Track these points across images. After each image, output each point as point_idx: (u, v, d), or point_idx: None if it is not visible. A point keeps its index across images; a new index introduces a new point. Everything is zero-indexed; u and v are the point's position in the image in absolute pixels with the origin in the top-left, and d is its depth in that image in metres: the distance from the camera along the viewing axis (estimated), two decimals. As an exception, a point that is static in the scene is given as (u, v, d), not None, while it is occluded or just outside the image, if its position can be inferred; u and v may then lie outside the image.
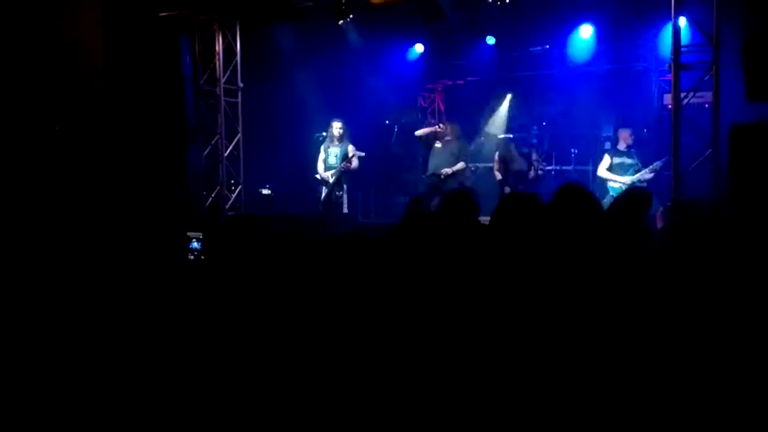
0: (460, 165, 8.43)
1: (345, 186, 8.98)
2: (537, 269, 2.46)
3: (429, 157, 8.68)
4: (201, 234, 2.53)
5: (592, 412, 2.28)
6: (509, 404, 2.28)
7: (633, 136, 8.16)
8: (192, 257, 2.57)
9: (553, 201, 2.75)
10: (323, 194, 9.01)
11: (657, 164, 7.74)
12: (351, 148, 8.79)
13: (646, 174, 7.89)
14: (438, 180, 8.38)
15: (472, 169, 11.02)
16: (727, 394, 2.45)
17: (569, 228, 2.66)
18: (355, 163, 8.75)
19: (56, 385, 2.37)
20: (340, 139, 8.82)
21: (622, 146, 8.16)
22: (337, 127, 8.81)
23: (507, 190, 8.29)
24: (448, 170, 8.34)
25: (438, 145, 8.55)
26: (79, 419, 2.32)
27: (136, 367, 2.33)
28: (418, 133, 8.94)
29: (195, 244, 2.52)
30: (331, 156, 8.86)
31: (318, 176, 8.99)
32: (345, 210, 9.08)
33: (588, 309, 2.37)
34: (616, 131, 8.82)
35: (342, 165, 8.72)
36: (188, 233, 2.53)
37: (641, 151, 8.11)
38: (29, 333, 2.65)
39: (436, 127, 8.71)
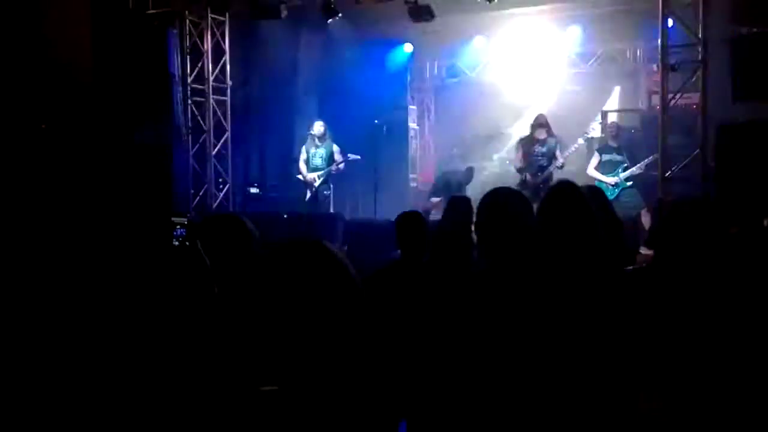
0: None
1: (331, 185, 8.98)
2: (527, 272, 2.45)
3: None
4: (185, 220, 2.53)
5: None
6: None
7: (624, 131, 8.22)
8: (177, 243, 2.57)
9: (545, 200, 2.74)
10: (308, 195, 9.01)
11: (646, 161, 7.79)
12: (336, 149, 8.81)
13: (635, 170, 7.94)
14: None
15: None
16: (725, 394, 2.46)
17: (559, 228, 2.65)
18: (342, 165, 8.82)
19: (42, 369, 2.36)
20: (322, 139, 8.81)
21: (613, 142, 8.21)
22: (318, 126, 8.81)
23: (528, 177, 8.00)
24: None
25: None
26: (64, 404, 2.31)
27: (124, 352, 2.33)
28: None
29: (179, 231, 2.51)
30: (316, 157, 8.85)
31: (301, 177, 8.98)
32: (331, 209, 9.10)
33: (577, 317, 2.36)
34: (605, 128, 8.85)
35: (333, 168, 8.75)
36: (173, 219, 2.52)
37: (629, 152, 8.14)
38: (17, 321, 2.64)
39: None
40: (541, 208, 2.67)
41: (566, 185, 2.73)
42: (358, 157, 8.89)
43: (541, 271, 2.42)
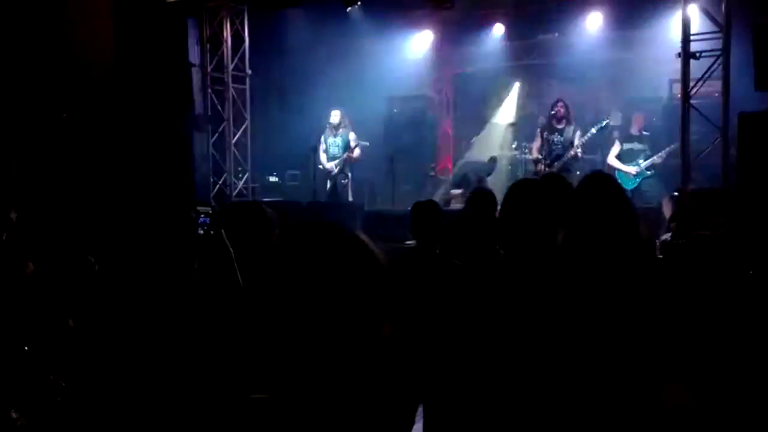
0: None
1: (349, 174, 9.06)
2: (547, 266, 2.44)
3: None
4: (209, 209, 2.58)
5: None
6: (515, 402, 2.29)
7: (646, 122, 8.06)
8: (201, 231, 2.60)
9: (578, 190, 2.70)
10: (328, 184, 9.11)
11: (667, 150, 7.68)
12: (352, 137, 8.86)
13: (656, 160, 7.82)
14: None
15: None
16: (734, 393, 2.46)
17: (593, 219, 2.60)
18: (357, 152, 8.83)
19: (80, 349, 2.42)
20: (339, 128, 8.88)
21: (634, 130, 8.08)
22: (335, 116, 8.88)
23: (542, 168, 7.86)
24: None
25: None
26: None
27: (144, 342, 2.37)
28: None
29: (204, 219, 2.55)
30: (332, 146, 8.95)
31: (321, 167, 9.07)
32: (350, 198, 9.14)
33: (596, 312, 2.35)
34: (627, 116, 8.71)
35: (345, 155, 8.81)
36: (198, 208, 2.55)
37: (651, 140, 8.03)
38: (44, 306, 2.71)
39: None
40: (576, 199, 2.63)
41: (601, 177, 2.69)
42: (367, 143, 8.91)
43: (567, 263, 2.40)
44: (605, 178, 2.65)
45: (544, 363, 2.28)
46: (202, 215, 2.48)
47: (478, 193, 4.55)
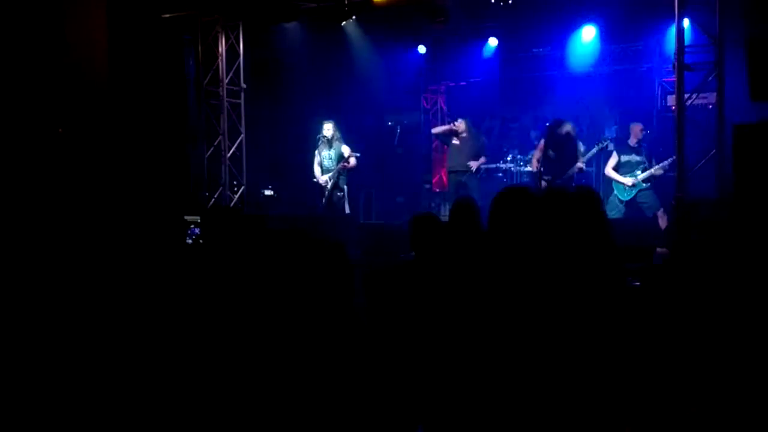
0: (483, 159, 8.89)
1: (345, 187, 9.00)
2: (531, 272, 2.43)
3: (449, 154, 9.18)
4: (198, 218, 2.57)
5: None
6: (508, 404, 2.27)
7: (644, 131, 8.05)
8: (190, 241, 2.60)
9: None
10: (324, 197, 9.04)
11: (666, 162, 7.65)
12: (345, 149, 8.80)
13: (653, 173, 7.79)
14: (461, 174, 8.84)
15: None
16: (728, 396, 2.45)
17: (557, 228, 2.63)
18: (353, 162, 8.77)
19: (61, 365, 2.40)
20: (332, 140, 8.82)
21: (632, 141, 8.04)
22: (327, 128, 8.81)
23: (543, 184, 7.84)
24: (474, 164, 8.72)
25: (456, 142, 8.95)
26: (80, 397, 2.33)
27: (137, 349, 2.35)
28: (435, 130, 9.75)
29: (194, 230, 2.54)
30: (326, 159, 8.88)
31: (315, 180, 9.02)
32: (347, 211, 9.09)
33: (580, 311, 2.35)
34: (625, 127, 8.74)
35: (339, 166, 8.74)
36: (186, 218, 2.55)
37: (648, 152, 8.02)
38: (41, 319, 2.69)
39: (452, 125, 9.08)
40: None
41: (588, 192, 2.70)
42: (358, 154, 8.86)
43: (551, 273, 2.40)
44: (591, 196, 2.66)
45: (542, 377, 2.27)
46: (192, 225, 2.47)
47: (459, 204, 4.45)
